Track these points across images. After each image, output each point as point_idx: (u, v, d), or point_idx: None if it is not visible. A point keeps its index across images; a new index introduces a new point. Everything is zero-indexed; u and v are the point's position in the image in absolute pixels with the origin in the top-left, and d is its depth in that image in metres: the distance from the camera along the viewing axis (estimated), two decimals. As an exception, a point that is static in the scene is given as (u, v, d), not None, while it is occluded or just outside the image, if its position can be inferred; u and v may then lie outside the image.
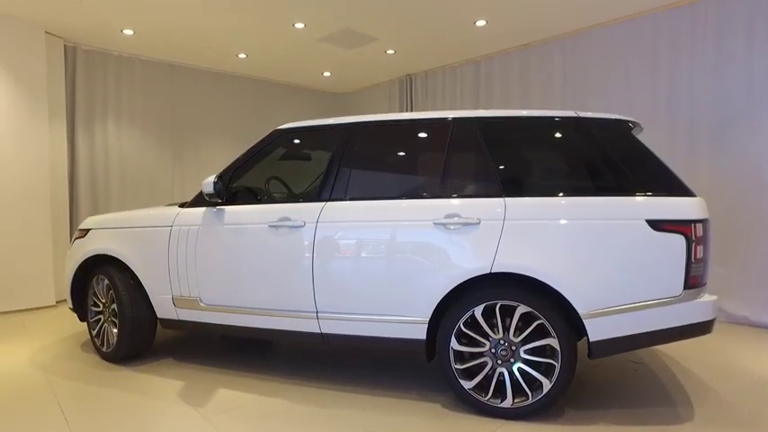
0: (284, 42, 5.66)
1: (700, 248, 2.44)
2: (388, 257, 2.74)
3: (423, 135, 2.96)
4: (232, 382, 3.11)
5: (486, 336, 2.59)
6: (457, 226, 2.62)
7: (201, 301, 3.21)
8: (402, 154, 3.06)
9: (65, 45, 5.47)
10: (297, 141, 3.35)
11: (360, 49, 5.93)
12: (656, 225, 2.43)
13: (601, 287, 2.45)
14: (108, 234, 3.51)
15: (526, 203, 2.57)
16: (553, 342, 2.49)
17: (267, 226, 3.00)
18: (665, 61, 4.79)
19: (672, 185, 2.52)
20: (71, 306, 3.70)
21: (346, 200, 2.91)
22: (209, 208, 3.21)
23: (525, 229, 2.53)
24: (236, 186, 3.27)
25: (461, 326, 2.60)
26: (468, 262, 2.59)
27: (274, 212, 3.02)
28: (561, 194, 2.56)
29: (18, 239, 4.94)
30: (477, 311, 2.57)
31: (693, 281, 2.43)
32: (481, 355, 2.61)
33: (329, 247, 2.85)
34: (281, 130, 3.28)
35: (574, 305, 2.45)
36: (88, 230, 3.64)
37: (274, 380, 3.14)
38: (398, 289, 2.71)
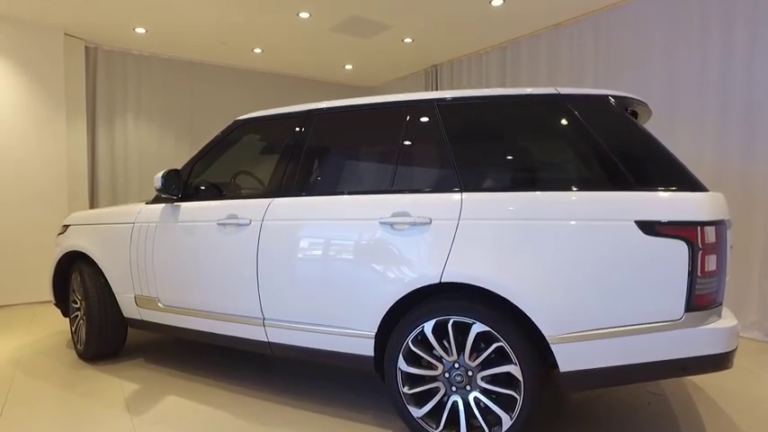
0: (295, 34, 5.36)
1: (710, 258, 1.83)
2: (331, 261, 2.33)
3: (378, 122, 2.51)
4: (187, 390, 2.83)
5: (438, 357, 2.12)
6: (404, 226, 2.17)
7: (160, 302, 2.97)
8: (355, 143, 2.62)
9: (86, 46, 5.50)
10: (258, 132, 3.01)
11: (375, 38, 5.52)
12: (649, 227, 1.85)
13: (574, 305, 1.90)
14: (81, 230, 3.36)
15: (486, 200, 2.07)
16: (514, 369, 1.98)
17: (216, 224, 2.69)
18: (705, 35, 3.99)
19: (674, 177, 1.91)
20: (54, 301, 3.61)
21: (294, 196, 2.53)
22: (168, 204, 2.96)
23: (482, 231, 2.03)
24: (197, 181, 2.99)
25: (410, 344, 2.14)
26: (415, 269, 2.12)
27: (224, 209, 2.70)
28: (532, 189, 2.04)
29: (37, 234, 5.01)
30: (427, 328, 2.10)
31: (700, 300, 1.83)
32: (433, 379, 2.14)
33: (273, 247, 2.49)
34: (240, 120, 2.95)
35: (539, 326, 1.93)
36: (68, 226, 3.52)
37: (231, 389, 2.83)
38: (342, 297, 2.30)
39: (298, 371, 3.10)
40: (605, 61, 4.74)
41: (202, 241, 2.73)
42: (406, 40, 5.62)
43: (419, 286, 2.11)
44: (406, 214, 2.17)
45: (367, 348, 2.26)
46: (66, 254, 3.41)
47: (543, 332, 1.92)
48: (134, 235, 3.04)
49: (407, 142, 2.34)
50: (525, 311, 1.94)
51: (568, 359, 1.92)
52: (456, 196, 2.12)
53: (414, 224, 2.14)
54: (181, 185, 2.88)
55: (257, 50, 5.91)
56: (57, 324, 4.27)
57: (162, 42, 5.60)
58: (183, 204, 2.89)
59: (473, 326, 2.03)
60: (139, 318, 3.11)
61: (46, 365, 3.24)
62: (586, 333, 1.89)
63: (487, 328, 2.00)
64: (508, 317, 2.00)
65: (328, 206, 2.39)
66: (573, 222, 1.92)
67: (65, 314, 3.61)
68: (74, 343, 3.45)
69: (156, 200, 3.06)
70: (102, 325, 3.19)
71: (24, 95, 4.92)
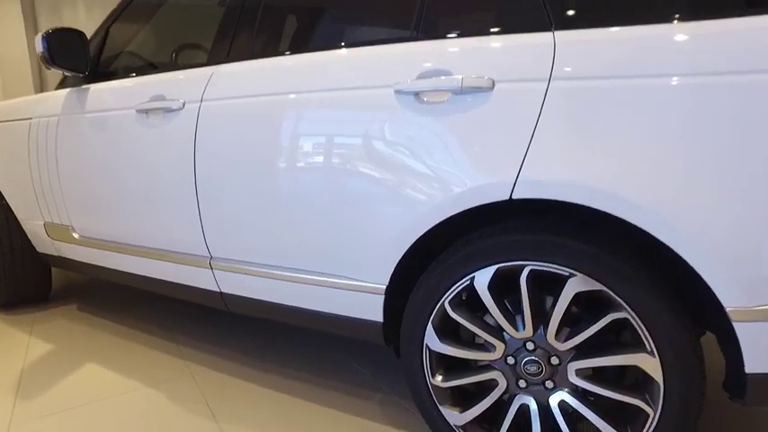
0: None
1: None
2: (311, 164, 1.33)
3: None
4: (111, 360, 1.95)
5: (497, 331, 1.18)
6: (441, 96, 1.13)
7: (74, 231, 2.01)
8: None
9: None
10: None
11: None
12: None
13: None
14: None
15: (606, 40, 1.01)
16: (648, 363, 1.03)
17: (135, 112, 1.67)
18: None
19: None
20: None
21: (250, 58, 1.48)
22: (73, 88, 1.91)
23: (602, 103, 1.00)
24: (112, 53, 1.93)
25: (447, 306, 1.18)
26: (461, 175, 1.11)
27: (145, 89, 1.66)
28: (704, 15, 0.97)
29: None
30: (481, 281, 1.13)
31: None
32: (487, 367, 1.21)
33: (218, 144, 1.47)
34: (172, -51, 1.83)
35: (715, 289, 0.95)
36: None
37: (186, 354, 1.94)
38: (331, 226, 1.32)
39: (276, 325, 2.20)
40: None
41: (117, 141, 1.72)
42: None
43: (467, 207, 1.11)
44: (443, 73, 1.13)
45: (372, 310, 1.32)
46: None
47: (723, 301, 0.95)
48: (32, 136, 2.02)
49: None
50: (688, 259, 0.95)
51: (763, 353, 0.96)
52: (543, 38, 1.06)
53: (458, 91, 1.11)
54: (88, 56, 1.82)
55: None
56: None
57: None
58: (93, 87, 1.84)
59: (570, 280, 1.05)
60: (56, 253, 2.17)
61: (-57, 314, 2.36)
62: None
63: (599, 287, 1.03)
64: (645, 269, 1.02)
65: (310, 69, 1.34)
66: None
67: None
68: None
69: (63, 83, 2.02)
70: (10, 264, 2.26)
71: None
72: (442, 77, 1.12)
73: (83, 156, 1.83)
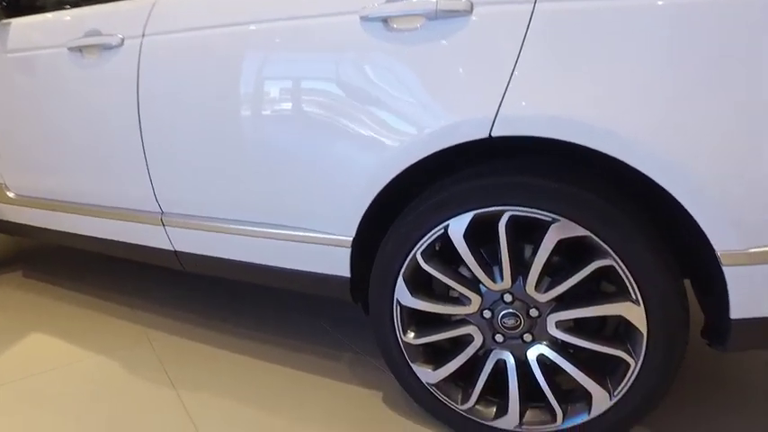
0: None
1: None
2: (269, 105, 1.18)
3: None
4: (61, 328, 1.80)
5: (473, 284, 1.09)
6: (413, 22, 1.00)
7: (9, 189, 1.81)
8: None
9: None
10: None
11: None
12: None
13: None
14: None
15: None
16: (631, 312, 0.96)
17: (67, 50, 1.46)
18: None
19: None
20: None
21: (197, -17, 1.30)
22: (-3, 22, 1.68)
23: (590, 25, 0.88)
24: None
25: (419, 258, 1.09)
26: (434, 110, 1.00)
27: (78, 23, 1.46)
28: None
29: None
30: (456, 229, 1.04)
31: None
32: (462, 321, 1.13)
33: (164, 85, 1.30)
34: None
35: (707, 232, 0.88)
36: None
37: (136, 318, 1.81)
38: (292, 174, 1.19)
39: (237, 284, 2.08)
40: None
41: (47, 84, 1.52)
42: None
43: (440, 148, 1.00)
44: (417, -5, 0.99)
45: (339, 264, 1.21)
46: None
47: (714, 244, 0.88)
48: (-47, 80, 1.78)
49: None
50: (681, 200, 0.87)
51: (750, 298, 0.90)
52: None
53: (433, 16, 0.97)
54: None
55: None
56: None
57: None
58: (15, 22, 1.62)
59: (552, 226, 0.97)
60: (-9, 213, 1.97)
61: None
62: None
63: (584, 232, 0.95)
64: (632, 213, 0.95)
65: (259, -6, 1.17)
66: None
67: None
68: None
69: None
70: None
71: None
72: (414, 0, 0.99)
73: (7, 102, 1.62)
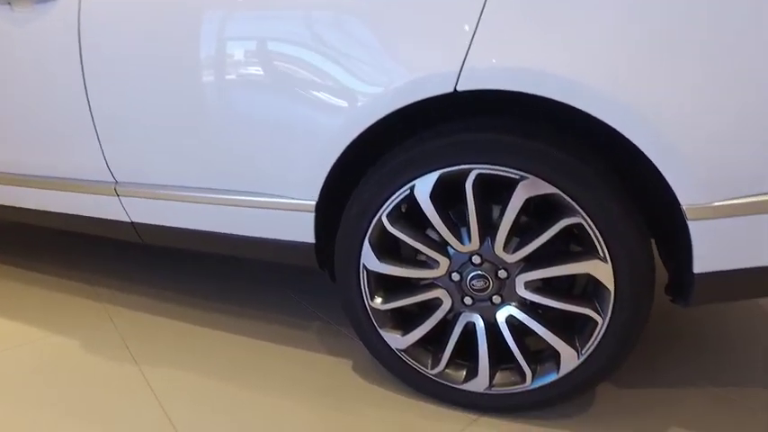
0: None
1: None
2: (228, 60, 1.10)
3: None
4: (15, 308, 1.71)
5: (441, 246, 1.06)
6: (373, -34, 0.94)
7: (-50, 161, 1.69)
8: None
9: None
10: None
11: None
12: None
13: (744, 139, 0.82)
14: None
15: None
16: (600, 269, 0.95)
17: (-2, 2, 1.34)
18: None
19: None
20: None
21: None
22: None
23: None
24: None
25: (384, 220, 1.05)
26: (398, 61, 0.94)
27: (8, -29, 1.33)
28: None
29: None
30: (422, 188, 0.99)
31: None
32: (430, 285, 1.11)
33: (110, 40, 1.20)
34: None
35: (673, 185, 0.86)
36: None
37: (90, 302, 1.74)
38: (250, 137, 1.12)
39: (201, 256, 2.02)
40: None
41: (-17, 41, 1.39)
42: None
43: (402, 105, 0.95)
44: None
45: (303, 230, 1.16)
46: None
47: (680, 198, 0.86)
48: None
49: None
50: (648, 153, 0.85)
51: (712, 252, 0.90)
52: None
53: (395, -40, 0.91)
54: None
55: None
56: None
57: None
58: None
59: (521, 184, 0.93)
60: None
61: None
62: (757, 200, 0.86)
63: (552, 190, 0.92)
64: (600, 169, 0.92)
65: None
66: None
67: None
68: None
69: None
70: None
71: None
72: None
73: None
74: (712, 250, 0.89)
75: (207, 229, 1.30)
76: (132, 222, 1.41)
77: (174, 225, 1.34)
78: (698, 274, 0.91)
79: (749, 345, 1.35)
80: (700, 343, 1.36)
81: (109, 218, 1.44)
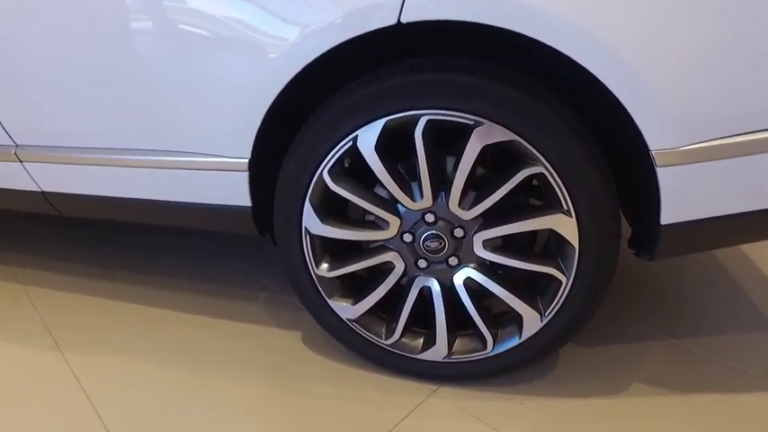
0: None
1: None
2: (133, 6, 0.93)
3: None
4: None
5: (389, 203, 0.95)
6: None
7: None
8: None
9: None
10: None
11: None
12: None
13: (713, 80, 0.74)
14: None
15: None
16: (563, 224, 0.86)
17: None
18: None
19: None
20: None
21: None
22: None
23: None
24: None
25: (326, 177, 0.92)
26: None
27: None
28: None
29: None
30: (365, 139, 0.87)
31: None
32: (380, 248, 1.00)
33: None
34: None
35: (641, 127, 0.77)
36: None
37: (8, 284, 1.55)
38: (169, 82, 0.96)
39: (131, 227, 1.84)
40: None
41: None
42: None
43: (338, 42, 0.81)
44: None
45: (237, 192, 1.02)
46: None
47: (649, 143, 0.78)
48: None
49: None
50: (616, 92, 0.75)
51: (681, 201, 0.82)
52: None
53: None
54: None
55: None
56: None
57: None
58: None
59: (475, 131, 0.82)
60: None
61: None
62: (726, 143, 0.78)
63: (510, 136, 0.82)
64: (561, 113, 0.82)
65: None
66: None
67: None
68: None
69: None
70: None
71: None
72: None
73: None
74: (681, 199, 0.82)
75: (129, 196, 1.14)
76: (43, 192, 1.23)
77: (91, 193, 1.17)
78: (665, 225, 0.84)
79: (705, 297, 1.32)
80: (658, 297, 1.32)
81: (16, 188, 1.25)
